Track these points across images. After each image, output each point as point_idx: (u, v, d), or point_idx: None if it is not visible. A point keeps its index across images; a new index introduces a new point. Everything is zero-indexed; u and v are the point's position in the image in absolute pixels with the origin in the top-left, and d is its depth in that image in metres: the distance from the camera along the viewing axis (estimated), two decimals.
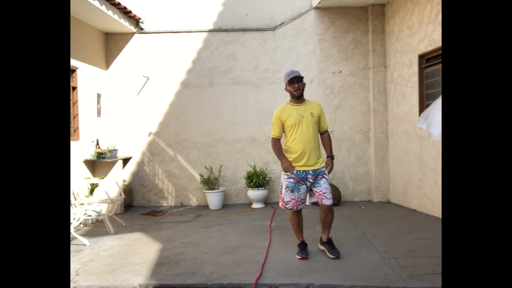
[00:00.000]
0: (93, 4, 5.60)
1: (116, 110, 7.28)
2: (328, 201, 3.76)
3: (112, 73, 7.28)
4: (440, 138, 3.16)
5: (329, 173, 3.86)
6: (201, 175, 7.07)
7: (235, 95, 7.23)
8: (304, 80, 7.27)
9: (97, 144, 6.72)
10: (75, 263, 3.89)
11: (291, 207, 3.84)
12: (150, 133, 7.28)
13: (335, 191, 6.63)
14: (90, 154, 6.43)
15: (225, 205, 7.04)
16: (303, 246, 3.91)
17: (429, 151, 5.61)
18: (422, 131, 5.81)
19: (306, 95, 7.38)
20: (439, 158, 5.32)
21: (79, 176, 6.01)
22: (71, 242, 4.61)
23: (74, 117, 6.20)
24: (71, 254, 4.18)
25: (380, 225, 5.15)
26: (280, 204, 3.95)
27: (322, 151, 4.00)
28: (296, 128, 3.79)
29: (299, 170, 3.78)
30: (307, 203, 4.19)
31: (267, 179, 6.90)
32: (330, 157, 3.93)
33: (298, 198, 3.80)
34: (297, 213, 3.93)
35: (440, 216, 5.32)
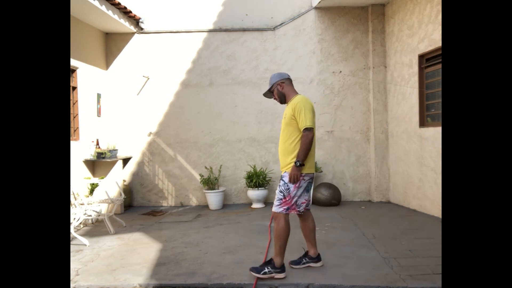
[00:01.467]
0: (93, 4, 5.60)
1: (116, 110, 7.28)
2: (273, 208, 3.47)
3: (112, 73, 7.28)
4: None
5: (290, 181, 3.34)
6: (201, 175, 7.07)
7: (235, 95, 7.23)
8: (304, 80, 7.33)
9: (97, 144, 6.72)
10: (75, 263, 3.89)
11: None
12: (150, 133, 7.28)
13: (335, 191, 6.63)
14: (90, 154, 6.43)
15: (225, 205, 7.04)
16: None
17: (429, 151, 5.61)
18: (422, 131, 5.82)
19: (306, 94, 7.41)
20: (439, 158, 5.32)
21: (79, 176, 6.01)
22: (71, 242, 4.61)
23: (74, 117, 6.20)
24: (71, 254, 4.18)
25: (380, 225, 5.15)
26: None
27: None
28: None
29: None
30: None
31: (267, 179, 6.89)
32: (294, 163, 3.31)
33: None
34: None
35: (440, 216, 5.32)
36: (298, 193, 3.41)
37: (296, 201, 3.42)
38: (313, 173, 3.51)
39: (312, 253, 3.63)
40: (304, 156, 3.30)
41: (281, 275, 3.35)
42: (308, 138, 3.29)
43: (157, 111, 7.27)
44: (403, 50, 6.33)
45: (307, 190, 3.48)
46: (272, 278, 3.32)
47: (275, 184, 7.13)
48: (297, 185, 3.38)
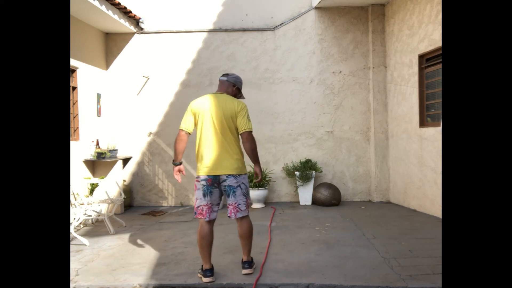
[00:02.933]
0: (93, 4, 5.60)
1: (116, 110, 7.28)
2: None
3: (112, 73, 7.28)
4: None
5: None
6: None
7: None
8: (304, 80, 7.36)
9: (97, 144, 6.72)
10: (75, 263, 3.89)
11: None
12: (150, 133, 7.28)
13: (335, 191, 6.63)
14: (90, 154, 6.43)
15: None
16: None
17: (429, 151, 5.61)
18: (422, 131, 5.81)
19: (306, 94, 7.41)
20: (439, 158, 5.32)
21: (79, 176, 6.01)
22: (71, 242, 4.61)
23: (74, 117, 6.20)
24: (71, 254, 4.18)
25: (380, 225, 5.15)
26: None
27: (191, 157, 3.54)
28: None
29: None
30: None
31: (267, 179, 6.89)
32: None
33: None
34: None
35: (440, 216, 5.32)
36: (197, 196, 3.40)
37: (200, 205, 3.36)
38: (206, 176, 3.35)
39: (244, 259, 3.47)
40: (174, 155, 3.59)
41: (206, 279, 3.27)
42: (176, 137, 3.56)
43: (157, 111, 7.27)
44: (403, 50, 6.33)
45: (203, 194, 3.34)
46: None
47: (275, 184, 7.14)
48: (196, 187, 3.45)
